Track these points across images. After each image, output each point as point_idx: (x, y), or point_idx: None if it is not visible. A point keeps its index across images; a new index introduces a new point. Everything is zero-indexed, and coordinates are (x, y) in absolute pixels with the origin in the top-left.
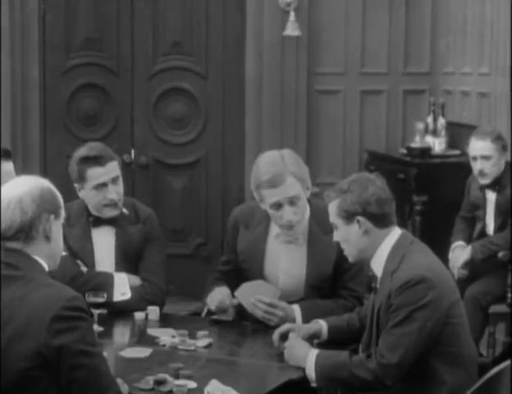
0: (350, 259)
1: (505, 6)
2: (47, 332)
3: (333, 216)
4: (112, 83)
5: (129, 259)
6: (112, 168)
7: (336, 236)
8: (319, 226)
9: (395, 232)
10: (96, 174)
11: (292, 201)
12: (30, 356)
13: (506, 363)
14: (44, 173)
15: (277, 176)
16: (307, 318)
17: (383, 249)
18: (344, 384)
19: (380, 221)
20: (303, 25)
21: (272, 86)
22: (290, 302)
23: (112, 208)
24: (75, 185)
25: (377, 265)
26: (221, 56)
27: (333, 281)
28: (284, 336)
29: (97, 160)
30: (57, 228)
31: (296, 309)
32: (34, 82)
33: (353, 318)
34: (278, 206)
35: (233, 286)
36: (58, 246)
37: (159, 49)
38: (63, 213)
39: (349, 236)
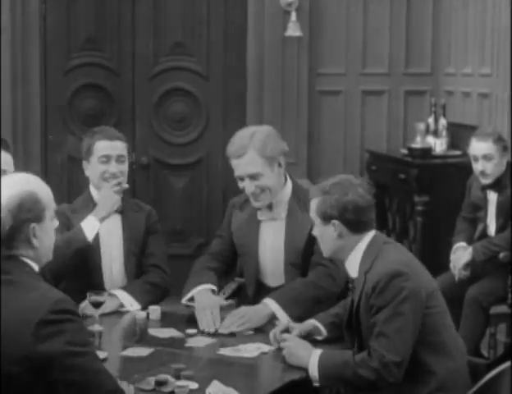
0: (324, 255)
1: (505, 6)
2: (33, 337)
3: (313, 212)
4: (113, 83)
5: (135, 246)
6: (119, 146)
7: (315, 231)
8: (298, 203)
9: (369, 235)
10: (102, 146)
11: (252, 177)
12: (20, 361)
13: (506, 364)
14: (45, 173)
15: (239, 148)
16: (284, 305)
17: (357, 252)
18: (347, 383)
19: (355, 227)
20: (304, 26)
21: (274, 87)
22: (272, 290)
23: (113, 186)
24: (84, 163)
25: (352, 267)
26: (222, 56)
27: (308, 259)
28: (283, 332)
29: (106, 134)
30: (42, 232)
31: (270, 303)
32: (36, 82)
33: (339, 313)
34: (241, 179)
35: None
36: (47, 246)
37: (160, 49)
38: (49, 212)
39: (324, 236)
